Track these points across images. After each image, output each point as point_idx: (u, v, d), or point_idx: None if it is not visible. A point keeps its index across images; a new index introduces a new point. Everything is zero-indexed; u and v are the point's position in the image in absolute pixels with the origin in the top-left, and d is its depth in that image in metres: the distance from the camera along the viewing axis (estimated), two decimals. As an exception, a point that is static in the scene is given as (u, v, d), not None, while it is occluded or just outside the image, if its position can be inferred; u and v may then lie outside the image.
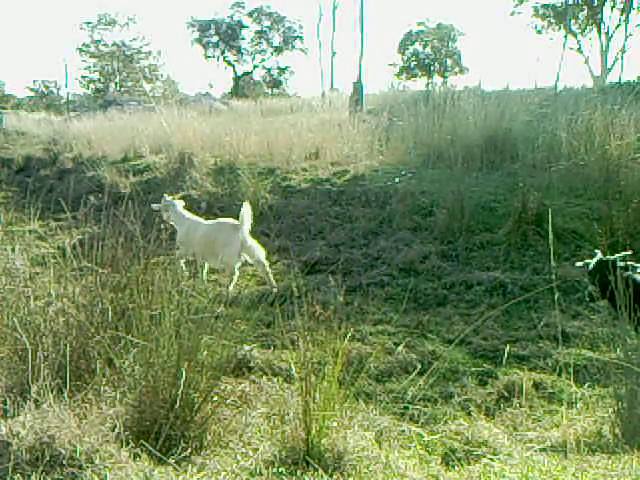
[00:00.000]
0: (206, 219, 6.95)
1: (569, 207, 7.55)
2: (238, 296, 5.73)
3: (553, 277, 4.41)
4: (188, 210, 7.16)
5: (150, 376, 3.00)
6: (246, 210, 6.08)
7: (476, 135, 10.02)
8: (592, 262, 4.10)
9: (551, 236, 3.40)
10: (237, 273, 6.26)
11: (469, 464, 2.81)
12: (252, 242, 6.21)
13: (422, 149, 10.41)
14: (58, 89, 46.83)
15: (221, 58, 44.50)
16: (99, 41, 44.58)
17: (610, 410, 3.30)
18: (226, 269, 6.31)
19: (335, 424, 2.89)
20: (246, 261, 6.32)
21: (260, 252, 6.23)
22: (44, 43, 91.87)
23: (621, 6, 30.31)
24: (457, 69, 42.62)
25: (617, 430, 3.19)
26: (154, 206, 7.02)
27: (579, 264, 4.26)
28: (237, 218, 6.19)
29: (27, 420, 2.64)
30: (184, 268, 6.24)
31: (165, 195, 7.34)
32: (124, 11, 62.85)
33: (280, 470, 2.69)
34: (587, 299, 4.33)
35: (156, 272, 3.83)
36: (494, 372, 4.35)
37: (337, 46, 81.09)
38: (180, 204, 7.05)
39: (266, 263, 6.27)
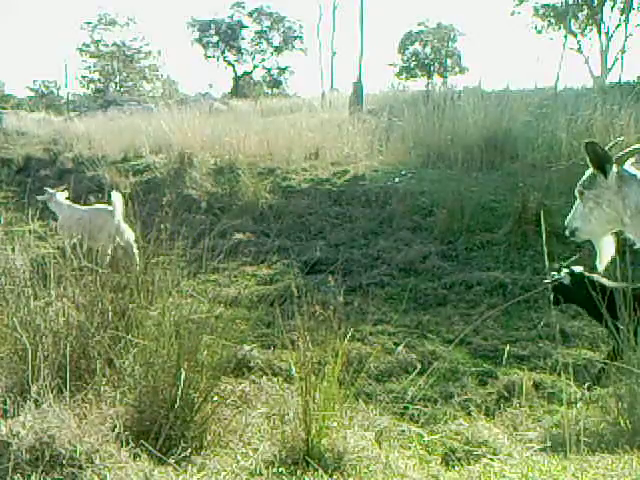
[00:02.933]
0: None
1: (569, 207, 7.54)
2: (238, 296, 5.73)
3: (549, 277, 4.38)
4: (188, 211, 7.19)
5: (150, 376, 3.00)
6: (117, 197, 6.79)
7: (476, 135, 10.02)
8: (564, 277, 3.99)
9: (544, 236, 3.33)
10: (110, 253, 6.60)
11: (469, 464, 2.81)
12: (124, 226, 6.81)
13: (422, 149, 10.41)
14: (58, 89, 46.83)
15: (221, 58, 44.47)
16: (99, 41, 44.56)
17: (610, 410, 3.30)
18: (101, 249, 6.63)
19: (335, 424, 2.89)
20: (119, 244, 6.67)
21: (130, 235, 6.69)
22: (44, 43, 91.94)
23: (621, 6, 30.30)
24: (457, 69, 42.59)
25: (617, 430, 3.19)
26: (39, 197, 8.08)
27: (547, 282, 4.10)
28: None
29: (27, 420, 2.64)
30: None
31: (47, 188, 8.28)
32: (124, 11, 62.86)
33: (280, 470, 2.69)
34: (552, 305, 4.20)
35: (156, 272, 3.83)
36: (494, 372, 4.35)
37: (337, 46, 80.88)
38: (62, 195, 8.00)
39: (134, 245, 6.54)
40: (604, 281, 3.84)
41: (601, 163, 2.75)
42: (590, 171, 2.84)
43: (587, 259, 3.98)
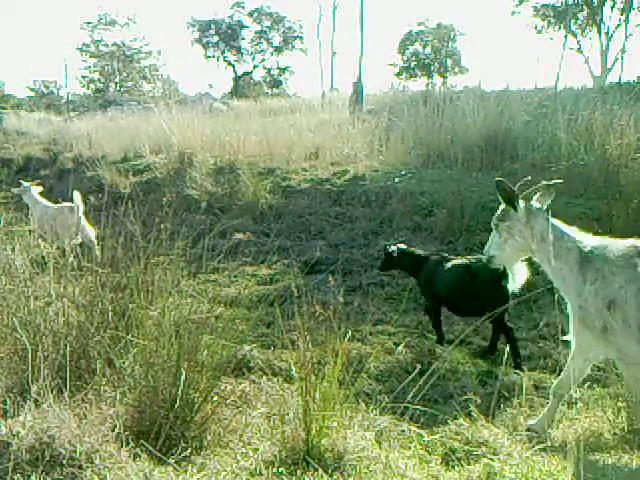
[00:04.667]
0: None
1: (569, 207, 7.55)
2: (238, 296, 5.73)
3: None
4: (188, 210, 7.19)
5: (150, 376, 3.00)
6: (77, 196, 7.12)
7: (476, 135, 10.01)
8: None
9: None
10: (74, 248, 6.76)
11: (469, 464, 2.81)
12: (85, 223, 7.26)
13: (422, 149, 10.41)
14: (58, 89, 46.83)
15: (221, 58, 44.47)
16: (99, 41, 44.56)
17: (610, 410, 3.30)
18: (66, 245, 6.96)
19: (335, 424, 2.89)
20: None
21: (91, 232, 7.20)
22: (44, 43, 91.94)
23: (621, 6, 30.29)
24: (457, 69, 42.61)
25: (617, 430, 3.19)
26: (14, 190, 8.60)
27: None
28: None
29: (27, 420, 2.64)
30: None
31: (22, 181, 8.57)
32: (124, 11, 62.84)
33: (280, 470, 2.69)
34: (381, 270, 5.70)
35: (156, 272, 3.83)
36: (494, 372, 4.35)
37: (337, 46, 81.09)
38: (36, 190, 8.31)
39: (95, 242, 6.95)
40: (420, 252, 5.33)
41: (510, 199, 3.12)
42: (503, 206, 3.18)
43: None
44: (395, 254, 5.24)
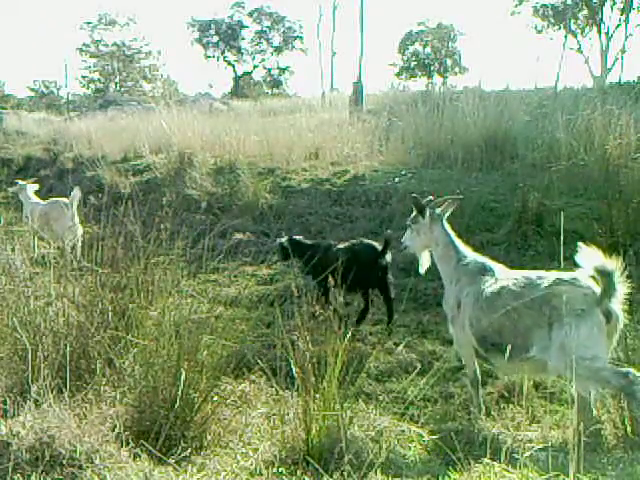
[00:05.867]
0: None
1: (569, 207, 7.55)
2: (238, 296, 5.73)
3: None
4: (188, 210, 7.18)
5: (150, 376, 3.00)
6: (76, 192, 7.26)
7: (476, 135, 10.01)
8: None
9: (562, 237, 3.44)
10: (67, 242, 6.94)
11: (469, 464, 2.81)
12: (77, 220, 7.33)
13: (422, 149, 10.40)
14: (58, 89, 46.83)
15: (221, 58, 44.49)
16: (99, 41, 44.56)
17: (610, 410, 3.30)
18: (57, 239, 7.16)
19: (335, 424, 2.89)
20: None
21: (80, 230, 7.30)
22: (44, 43, 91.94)
23: (621, 6, 30.29)
24: (457, 69, 42.62)
25: (617, 430, 3.19)
26: (10, 189, 8.82)
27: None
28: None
29: (27, 420, 2.64)
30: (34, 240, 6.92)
31: (18, 181, 8.71)
32: (124, 11, 62.73)
33: (280, 470, 2.69)
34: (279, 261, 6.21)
35: (156, 272, 3.83)
36: (494, 372, 4.35)
37: (337, 46, 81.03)
38: (32, 188, 8.45)
39: (80, 239, 7.08)
40: (308, 241, 5.93)
41: (420, 209, 4.05)
42: (415, 212, 4.09)
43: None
44: (285, 245, 5.78)
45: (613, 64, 30.89)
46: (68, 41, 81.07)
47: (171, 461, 2.71)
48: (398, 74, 43.11)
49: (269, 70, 46.50)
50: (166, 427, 2.86)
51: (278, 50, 45.22)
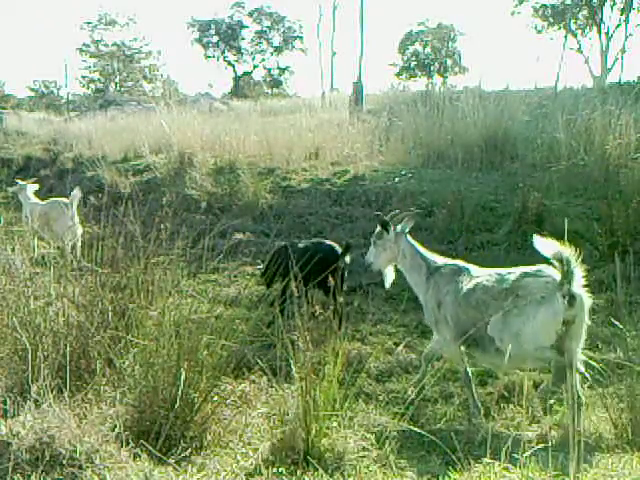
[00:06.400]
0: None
1: (569, 207, 7.55)
2: (238, 296, 5.73)
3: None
4: (188, 210, 7.17)
5: (150, 376, 3.00)
6: (76, 192, 7.32)
7: (476, 135, 10.01)
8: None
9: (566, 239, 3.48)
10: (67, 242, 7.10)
11: (469, 464, 2.81)
12: (77, 220, 7.35)
13: (422, 149, 10.40)
14: (58, 89, 46.80)
15: (221, 58, 44.46)
16: (99, 41, 44.52)
17: (610, 410, 3.30)
18: (57, 239, 7.23)
19: (335, 424, 2.89)
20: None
21: (79, 230, 7.34)
22: (44, 43, 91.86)
23: (621, 6, 30.29)
24: (457, 69, 42.61)
25: (617, 430, 3.19)
26: (9, 189, 8.84)
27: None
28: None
29: (27, 420, 2.64)
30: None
31: (18, 180, 8.70)
32: (124, 11, 62.73)
33: (280, 470, 2.69)
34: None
35: (156, 272, 3.83)
36: (494, 372, 4.35)
37: (337, 46, 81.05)
38: (32, 188, 8.42)
39: (80, 239, 7.18)
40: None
41: (384, 225, 4.25)
42: (379, 228, 4.30)
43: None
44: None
45: (613, 64, 30.89)
46: (68, 41, 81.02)
47: (171, 461, 2.71)
48: (398, 74, 43.11)
49: (269, 70, 46.49)
50: (166, 427, 2.86)
51: (278, 50, 45.20)
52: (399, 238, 4.20)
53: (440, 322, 3.86)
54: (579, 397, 3.31)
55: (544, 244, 3.30)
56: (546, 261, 3.41)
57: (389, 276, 4.44)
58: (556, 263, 3.28)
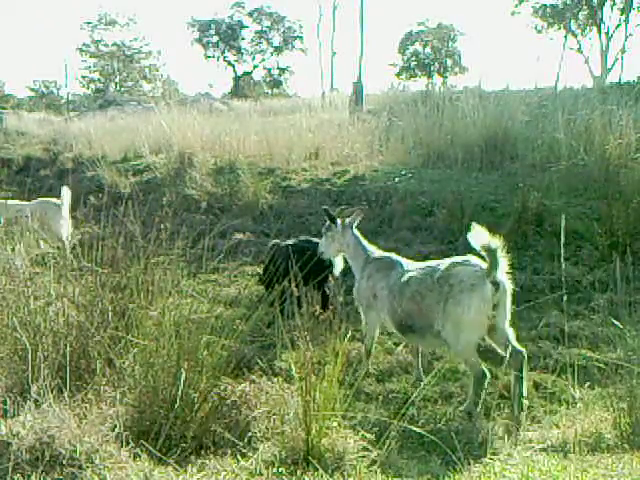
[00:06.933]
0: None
1: (569, 207, 7.55)
2: (238, 296, 5.73)
3: (563, 279, 4.60)
4: (188, 210, 7.19)
5: (150, 376, 3.00)
6: (66, 192, 7.52)
7: (476, 135, 10.01)
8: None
9: (563, 239, 3.51)
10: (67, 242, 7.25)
11: (469, 464, 2.81)
12: (68, 220, 7.55)
13: (422, 149, 10.40)
14: (58, 89, 46.81)
15: (221, 58, 44.44)
16: (99, 41, 44.52)
17: (610, 410, 3.30)
18: (54, 239, 7.34)
19: (335, 424, 2.89)
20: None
21: (68, 229, 7.51)
22: (44, 43, 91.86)
23: (621, 6, 30.29)
24: (457, 69, 42.61)
25: (617, 430, 3.19)
26: None
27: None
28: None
29: (27, 420, 2.64)
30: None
31: None
32: (124, 11, 62.72)
33: (280, 470, 2.69)
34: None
35: (156, 272, 3.83)
36: (494, 372, 4.35)
37: (337, 46, 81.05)
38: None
39: (69, 238, 7.33)
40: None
41: (332, 219, 4.61)
42: (328, 222, 4.64)
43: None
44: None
45: (613, 64, 30.91)
46: (68, 41, 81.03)
47: (171, 461, 2.71)
48: (398, 74, 43.11)
49: (269, 70, 46.49)
50: (166, 427, 2.86)
51: (278, 50, 45.19)
52: (345, 230, 4.56)
53: (371, 309, 4.26)
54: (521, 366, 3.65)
55: (476, 236, 3.71)
56: (478, 254, 3.77)
57: (338, 264, 4.91)
58: (484, 253, 3.65)
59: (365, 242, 4.55)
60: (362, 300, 4.35)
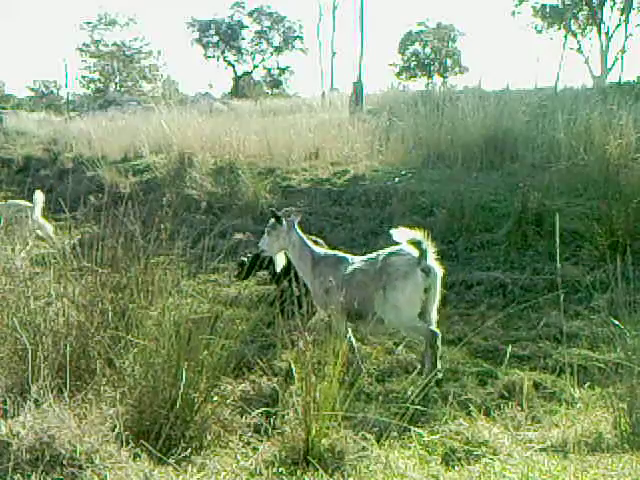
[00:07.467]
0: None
1: (569, 207, 7.55)
2: (238, 296, 5.73)
3: (559, 279, 4.58)
4: (188, 210, 7.19)
5: (150, 376, 3.00)
6: (39, 195, 7.61)
7: (476, 135, 10.00)
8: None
9: (557, 238, 3.49)
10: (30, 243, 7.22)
11: (469, 464, 2.81)
12: (43, 221, 7.68)
13: (422, 149, 10.39)
14: (58, 89, 46.82)
15: (221, 58, 44.43)
16: (99, 41, 44.53)
17: (610, 410, 3.30)
18: (23, 240, 7.19)
19: (335, 424, 2.89)
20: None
21: (49, 229, 7.68)
22: (44, 43, 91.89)
23: (621, 6, 30.29)
24: (457, 69, 42.62)
25: (617, 430, 3.19)
26: None
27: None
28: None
29: (27, 420, 2.64)
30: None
31: None
32: (124, 11, 62.77)
33: (280, 470, 2.69)
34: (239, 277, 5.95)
35: (156, 272, 3.83)
36: (494, 372, 4.35)
37: (337, 46, 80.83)
38: None
39: (53, 236, 7.46)
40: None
41: (278, 218, 4.79)
42: (272, 220, 4.82)
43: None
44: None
45: (613, 64, 30.90)
46: (68, 41, 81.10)
47: (171, 461, 2.71)
48: (398, 74, 43.12)
49: (269, 70, 46.48)
50: (166, 427, 2.86)
51: (278, 50, 45.18)
52: (290, 230, 4.78)
53: (329, 304, 4.38)
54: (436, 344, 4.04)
55: (399, 233, 4.09)
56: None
57: (279, 261, 5.09)
58: (414, 245, 4.05)
59: (310, 242, 4.79)
60: (320, 300, 4.51)
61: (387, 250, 4.26)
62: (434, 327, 4.13)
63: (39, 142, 16.87)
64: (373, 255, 4.35)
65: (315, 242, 5.09)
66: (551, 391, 4.00)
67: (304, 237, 4.80)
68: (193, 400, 2.99)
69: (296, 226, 4.82)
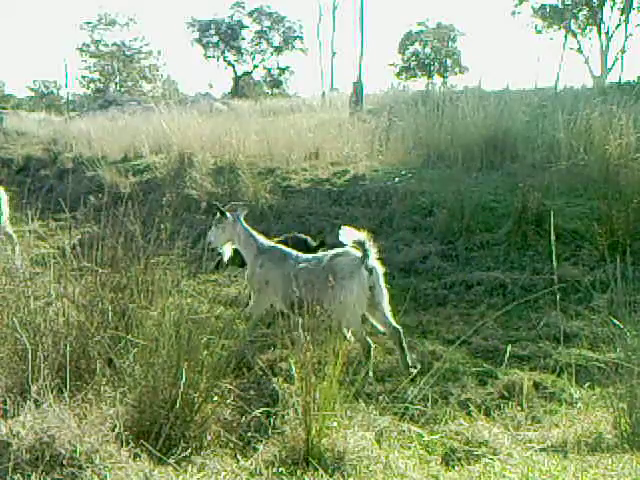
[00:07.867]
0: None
1: (569, 207, 7.55)
2: (238, 296, 5.73)
3: (555, 278, 4.59)
4: (188, 210, 7.18)
5: (150, 376, 3.00)
6: (3, 198, 7.54)
7: (476, 135, 10.00)
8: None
9: (553, 237, 3.49)
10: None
11: (469, 464, 2.81)
12: (10, 229, 7.52)
13: (422, 149, 10.39)
14: (58, 89, 46.84)
15: (221, 58, 44.44)
16: (99, 41, 44.54)
17: (610, 410, 3.30)
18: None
19: (335, 424, 2.89)
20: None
21: (10, 229, 7.49)
22: (44, 43, 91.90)
23: (621, 6, 30.28)
24: (457, 69, 42.62)
25: (617, 430, 3.19)
26: None
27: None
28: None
29: (27, 420, 2.64)
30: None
31: None
32: (124, 11, 62.74)
33: (280, 470, 2.69)
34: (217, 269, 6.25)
35: (156, 272, 3.83)
36: (494, 372, 4.35)
37: (337, 46, 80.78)
38: None
39: (14, 236, 7.32)
40: None
41: (222, 212, 4.99)
42: (218, 215, 5.01)
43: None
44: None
45: (613, 64, 30.91)
46: (68, 41, 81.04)
47: (171, 461, 2.71)
48: (398, 74, 43.12)
49: (269, 70, 46.48)
50: (166, 427, 2.86)
51: (278, 50, 45.18)
52: (235, 222, 5.00)
53: (263, 293, 4.77)
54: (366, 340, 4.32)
55: (345, 233, 4.26)
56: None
57: (227, 252, 5.40)
58: (357, 246, 4.22)
59: (255, 233, 5.01)
60: (254, 285, 4.84)
61: (333, 251, 4.50)
62: (393, 322, 4.35)
63: (39, 142, 16.87)
64: (319, 255, 4.67)
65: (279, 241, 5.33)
66: (551, 391, 4.00)
67: (250, 229, 5.04)
68: (193, 400, 2.99)
69: (241, 219, 5.04)
